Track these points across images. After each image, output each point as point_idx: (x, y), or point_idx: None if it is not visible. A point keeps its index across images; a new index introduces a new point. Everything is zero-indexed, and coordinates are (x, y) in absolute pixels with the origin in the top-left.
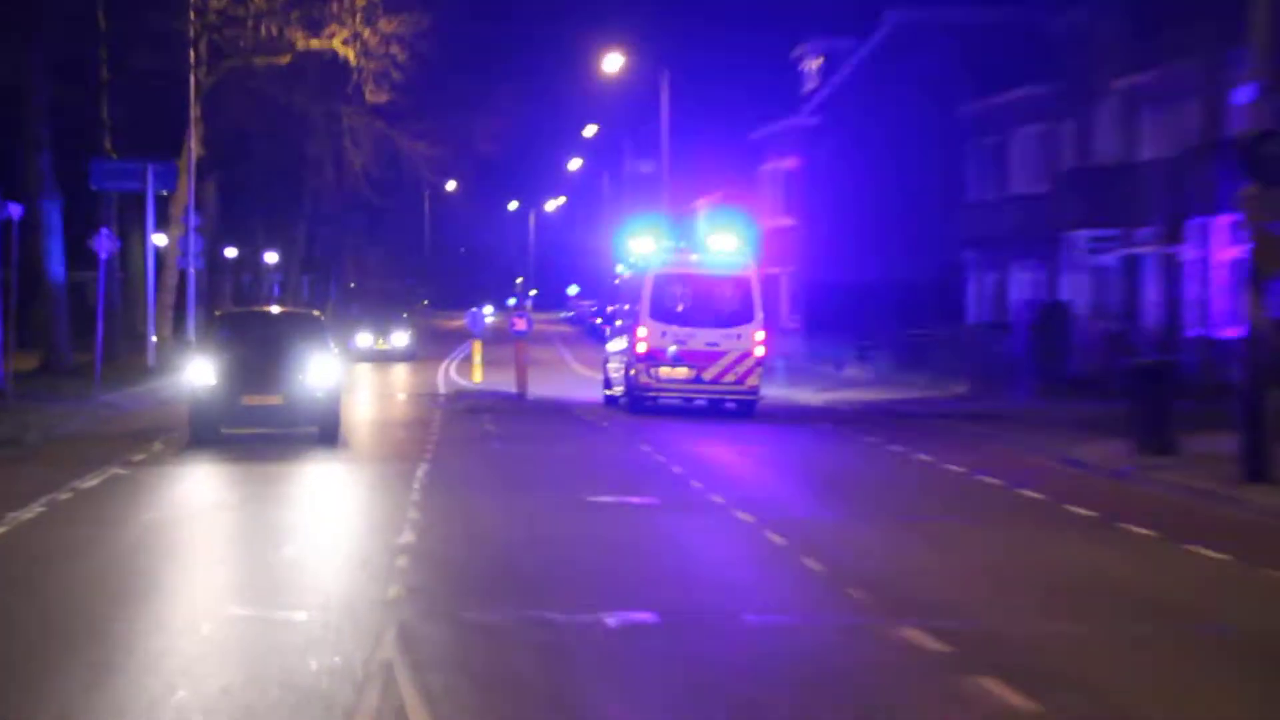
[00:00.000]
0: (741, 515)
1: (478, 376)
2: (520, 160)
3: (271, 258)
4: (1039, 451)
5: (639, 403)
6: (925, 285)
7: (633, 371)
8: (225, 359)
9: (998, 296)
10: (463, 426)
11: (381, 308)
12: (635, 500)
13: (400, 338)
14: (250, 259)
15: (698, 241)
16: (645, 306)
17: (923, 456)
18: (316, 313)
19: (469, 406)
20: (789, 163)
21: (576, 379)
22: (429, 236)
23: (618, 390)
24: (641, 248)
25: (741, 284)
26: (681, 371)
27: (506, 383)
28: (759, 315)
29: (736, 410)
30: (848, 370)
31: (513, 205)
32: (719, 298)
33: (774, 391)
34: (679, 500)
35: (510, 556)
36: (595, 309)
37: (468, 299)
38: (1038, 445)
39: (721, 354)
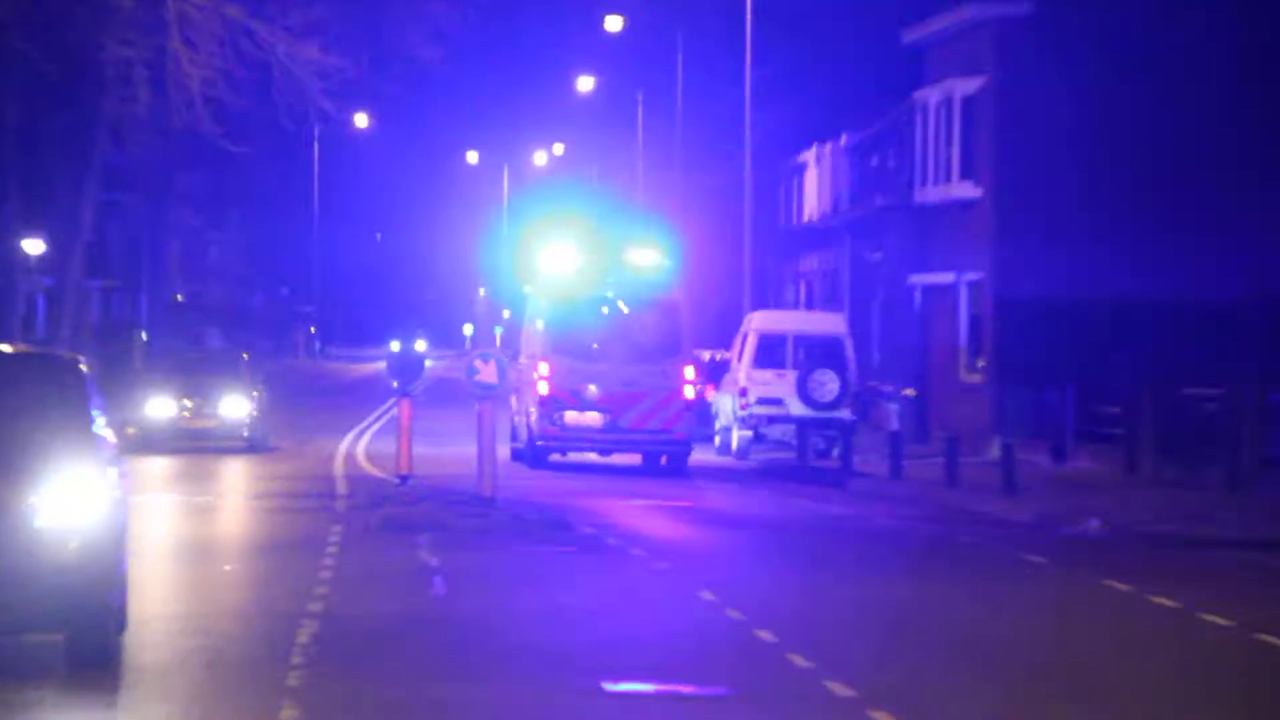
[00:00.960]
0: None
1: (406, 464)
2: (485, 78)
3: (34, 248)
4: None
5: (541, 456)
6: (1222, 310)
7: (534, 418)
8: None
9: None
10: (379, 558)
11: (202, 348)
12: (687, 688)
13: (232, 404)
14: None
15: (615, 257)
16: (547, 338)
17: (1216, 619)
18: (73, 356)
19: (389, 518)
20: (971, 85)
21: (582, 467)
22: (320, 217)
23: (523, 442)
24: (553, 263)
25: (666, 310)
26: (592, 417)
27: (459, 473)
28: (687, 347)
29: (669, 466)
30: (1073, 463)
31: (471, 158)
32: (637, 327)
33: (943, 496)
34: (766, 688)
35: None
36: None
37: (389, 326)
38: None
39: (642, 395)
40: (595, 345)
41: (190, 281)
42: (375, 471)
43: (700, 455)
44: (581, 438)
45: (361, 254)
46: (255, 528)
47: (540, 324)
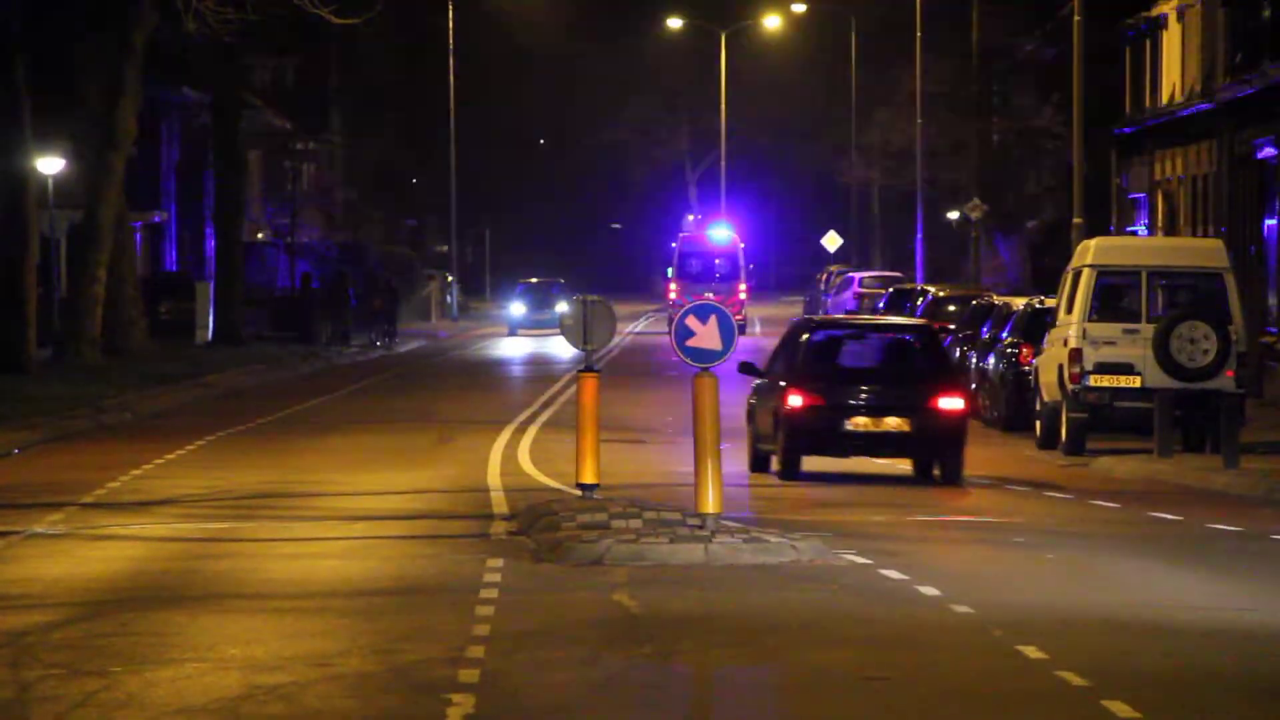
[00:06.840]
0: None
1: (591, 469)
2: None
3: (51, 166)
4: None
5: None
6: None
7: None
8: None
9: None
10: (556, 604)
11: None
12: None
13: None
14: None
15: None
16: (676, 272)
17: None
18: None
19: (569, 546)
20: None
21: (834, 477)
22: (459, 117)
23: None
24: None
25: (732, 255)
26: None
27: (664, 482)
28: (742, 275)
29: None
30: None
31: (674, 24)
32: (720, 264)
33: None
34: None
35: None
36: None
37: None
38: None
39: (721, 297)
40: (704, 275)
41: (276, 213)
42: (546, 479)
43: (1013, 445)
44: None
45: (518, 172)
46: (378, 565)
47: (675, 265)
